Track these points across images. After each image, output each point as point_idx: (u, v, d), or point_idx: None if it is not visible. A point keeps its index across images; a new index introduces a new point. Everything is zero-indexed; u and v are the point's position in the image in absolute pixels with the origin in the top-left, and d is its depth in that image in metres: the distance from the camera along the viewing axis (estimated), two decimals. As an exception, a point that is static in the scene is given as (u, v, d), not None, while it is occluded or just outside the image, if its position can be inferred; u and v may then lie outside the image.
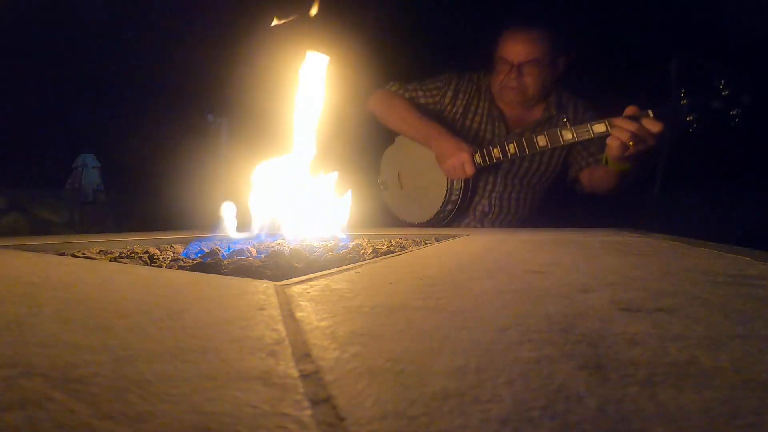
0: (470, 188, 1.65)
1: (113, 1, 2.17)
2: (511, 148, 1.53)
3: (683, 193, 2.07)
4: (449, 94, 1.71)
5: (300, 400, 0.20)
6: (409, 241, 1.02)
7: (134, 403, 0.20)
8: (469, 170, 1.56)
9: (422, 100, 1.75)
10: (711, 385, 0.21)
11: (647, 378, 0.22)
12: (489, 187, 1.70)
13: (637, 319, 0.32)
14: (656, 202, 2.19)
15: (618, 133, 1.22)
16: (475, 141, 1.66)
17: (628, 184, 1.46)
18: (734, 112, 1.16)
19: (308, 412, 0.19)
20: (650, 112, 1.22)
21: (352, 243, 0.96)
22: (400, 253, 0.79)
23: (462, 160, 1.55)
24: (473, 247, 0.85)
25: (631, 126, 1.20)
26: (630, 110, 1.24)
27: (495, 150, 1.55)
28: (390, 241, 1.00)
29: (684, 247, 0.78)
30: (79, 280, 0.52)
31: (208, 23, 2.15)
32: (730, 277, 0.48)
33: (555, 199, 1.79)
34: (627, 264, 0.60)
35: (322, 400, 0.20)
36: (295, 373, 0.23)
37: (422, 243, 0.99)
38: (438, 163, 1.62)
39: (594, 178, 1.57)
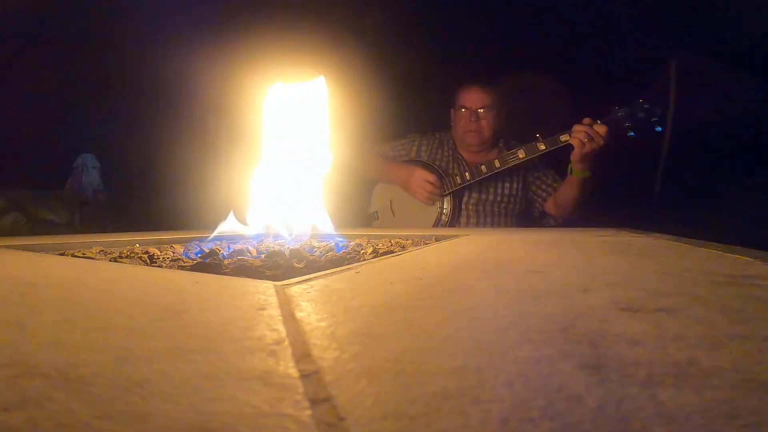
0: (459, 207, 1.91)
1: (113, 0, 2.17)
2: (497, 162, 1.84)
3: (683, 193, 2.08)
4: (414, 148, 2.04)
5: (300, 400, 0.20)
6: (409, 241, 1.02)
7: (134, 403, 0.20)
8: (430, 178, 1.84)
9: (390, 154, 2.06)
10: (711, 385, 0.21)
11: (647, 378, 0.22)
12: (464, 221, 1.94)
13: (637, 319, 0.32)
14: (656, 202, 2.20)
15: (577, 135, 1.65)
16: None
17: (586, 199, 1.77)
18: (654, 119, 1.66)
19: (308, 412, 0.19)
20: (598, 121, 1.68)
21: (352, 243, 0.96)
22: (400, 253, 0.79)
23: (422, 178, 1.85)
24: (473, 247, 0.86)
25: (586, 128, 1.64)
26: (585, 120, 1.68)
27: (483, 167, 1.86)
28: (390, 241, 1.00)
29: (684, 247, 0.78)
30: (79, 280, 0.52)
31: (208, 23, 2.15)
32: (730, 277, 0.48)
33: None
34: (627, 264, 0.60)
35: (322, 400, 0.20)
36: (295, 373, 0.23)
37: (422, 243, 0.99)
38: (409, 193, 1.90)
39: (559, 196, 1.85)
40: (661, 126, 1.64)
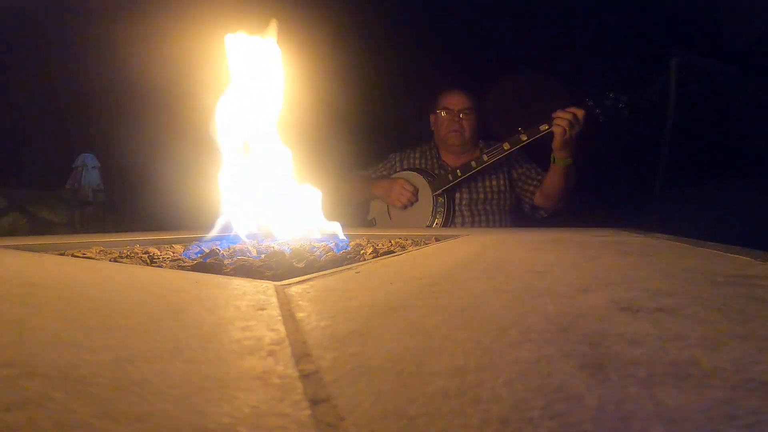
0: (453, 208, 2.03)
1: (112, 1, 2.17)
2: (485, 157, 1.97)
3: (683, 193, 2.08)
4: (397, 165, 2.20)
5: (300, 400, 0.20)
6: (409, 241, 1.02)
7: (134, 403, 0.20)
8: (407, 185, 1.99)
9: (374, 176, 2.20)
10: (711, 385, 0.21)
11: (647, 378, 0.22)
12: (459, 221, 2.03)
13: (637, 319, 0.32)
14: (656, 202, 2.21)
15: (558, 121, 1.79)
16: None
17: (571, 187, 1.91)
18: (621, 105, 1.84)
19: (308, 412, 0.19)
20: (574, 108, 1.84)
21: (352, 243, 0.96)
22: (400, 253, 0.79)
23: (398, 185, 2.00)
24: (473, 247, 0.86)
25: (564, 114, 1.79)
26: (561, 110, 1.84)
27: (472, 162, 1.98)
28: (390, 241, 1.00)
29: (684, 247, 0.78)
30: (79, 280, 0.52)
31: (206, 23, 2.15)
32: (730, 277, 0.48)
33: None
34: (627, 264, 0.60)
35: (322, 400, 0.20)
36: (294, 373, 0.23)
37: (422, 243, 0.99)
38: (389, 202, 2.04)
39: (546, 187, 1.96)
40: (627, 111, 1.84)
